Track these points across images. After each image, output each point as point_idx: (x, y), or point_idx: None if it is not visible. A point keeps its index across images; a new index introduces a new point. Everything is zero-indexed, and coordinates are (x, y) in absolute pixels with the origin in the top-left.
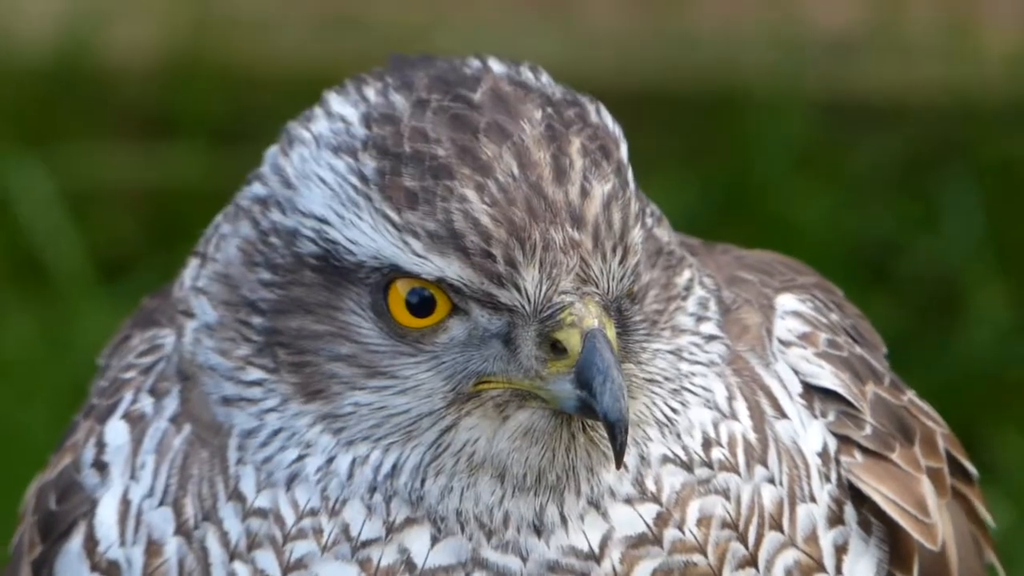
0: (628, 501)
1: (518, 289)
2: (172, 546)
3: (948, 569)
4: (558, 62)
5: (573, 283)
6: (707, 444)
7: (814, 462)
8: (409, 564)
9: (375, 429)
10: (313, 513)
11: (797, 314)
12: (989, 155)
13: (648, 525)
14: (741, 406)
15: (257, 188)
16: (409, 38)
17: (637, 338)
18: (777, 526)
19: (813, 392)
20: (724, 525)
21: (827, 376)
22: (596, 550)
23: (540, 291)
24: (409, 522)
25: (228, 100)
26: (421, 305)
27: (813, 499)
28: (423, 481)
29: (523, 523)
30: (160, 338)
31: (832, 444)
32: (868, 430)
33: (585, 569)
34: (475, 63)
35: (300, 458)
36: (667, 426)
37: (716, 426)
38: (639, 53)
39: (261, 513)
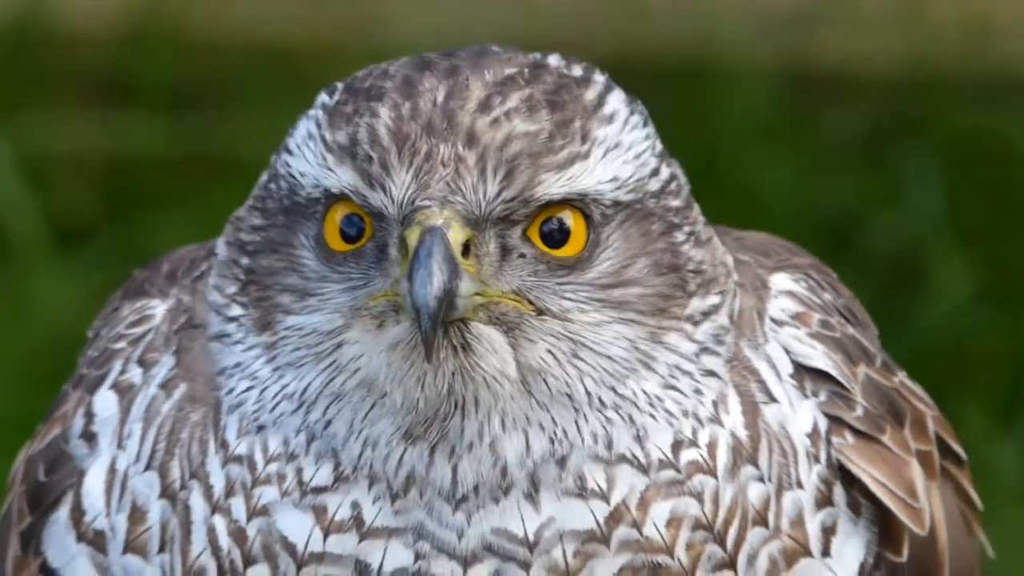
0: (570, 494)
1: (384, 190)
2: (155, 511)
3: (937, 551)
4: (516, 33)
5: (441, 191)
6: (677, 446)
7: (802, 445)
8: (359, 521)
9: (295, 353)
10: (277, 458)
11: (791, 294)
12: (951, 127)
13: (597, 522)
14: (733, 405)
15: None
16: (367, 6)
17: (552, 286)
18: (762, 521)
19: (805, 372)
20: (698, 527)
21: (819, 357)
22: (531, 537)
23: (405, 194)
24: (348, 477)
25: (187, 67)
26: (354, 231)
27: (800, 485)
28: (327, 410)
29: (427, 483)
30: (150, 308)
31: (823, 424)
32: (859, 411)
33: (525, 556)
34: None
35: (247, 390)
36: (593, 418)
37: (695, 430)
38: (598, 25)
39: (239, 459)
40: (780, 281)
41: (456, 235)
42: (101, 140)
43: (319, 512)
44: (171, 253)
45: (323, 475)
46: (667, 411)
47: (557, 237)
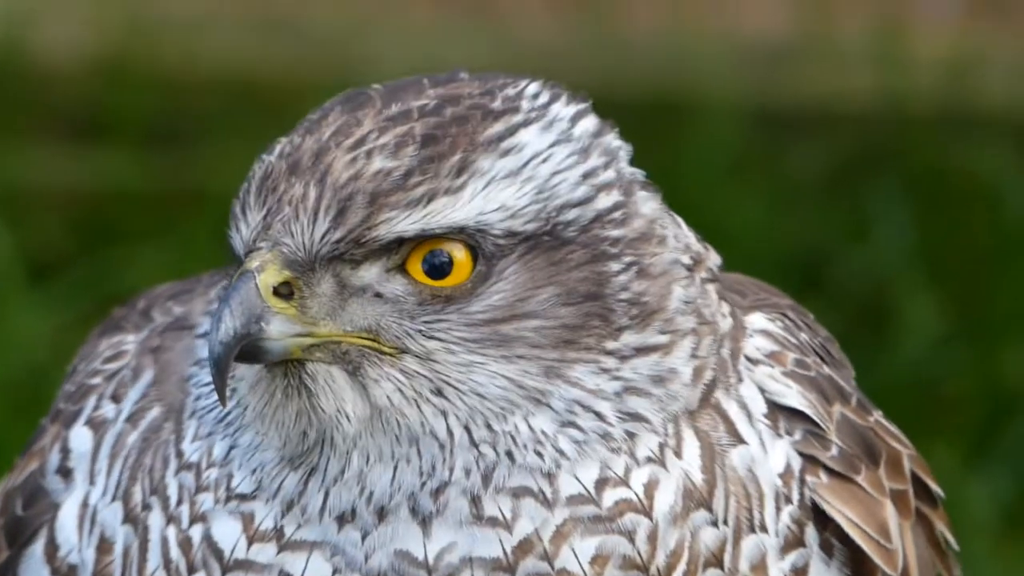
0: (471, 522)
1: (238, 231)
2: (120, 540)
3: None
4: (488, 67)
5: (278, 232)
6: (602, 484)
7: (770, 488)
8: (279, 532)
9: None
10: (215, 464)
11: (766, 333)
12: (920, 163)
13: (504, 551)
14: (690, 448)
15: None
16: (341, 41)
17: (417, 325)
18: (718, 563)
19: (779, 411)
20: (631, 566)
21: (794, 396)
22: (430, 561)
23: (250, 236)
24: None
25: (159, 102)
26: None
27: (764, 529)
28: (236, 432)
29: (301, 504)
30: (125, 344)
31: (796, 463)
32: (834, 451)
33: None
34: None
35: (202, 391)
36: (464, 452)
37: (627, 469)
38: (571, 60)
39: (189, 467)
40: (756, 320)
41: (268, 277)
42: (75, 174)
43: (247, 519)
44: (149, 291)
45: (248, 482)
46: (558, 450)
47: (447, 269)
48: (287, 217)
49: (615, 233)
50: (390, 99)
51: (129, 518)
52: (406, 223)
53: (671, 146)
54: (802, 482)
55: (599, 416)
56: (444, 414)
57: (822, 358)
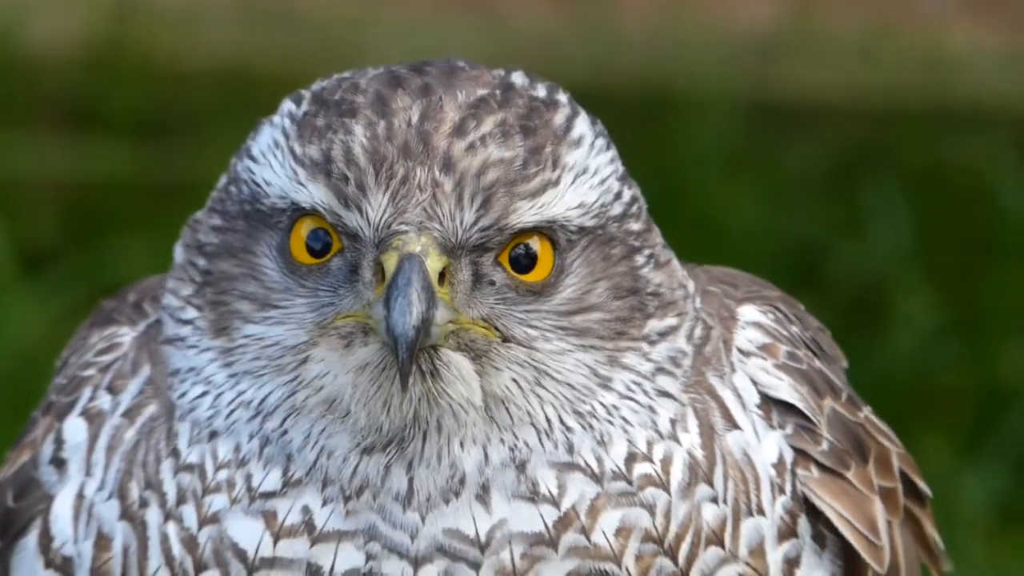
0: (522, 497)
1: (361, 212)
2: (118, 537)
3: None
4: (485, 59)
5: (418, 216)
6: (631, 459)
7: (766, 474)
8: (309, 525)
9: (255, 362)
10: (226, 465)
11: (758, 325)
12: (916, 158)
13: (546, 526)
14: (691, 424)
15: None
16: (335, 32)
17: (519, 314)
18: (718, 541)
19: (771, 404)
20: (648, 539)
21: (786, 388)
22: (482, 538)
23: (382, 217)
24: (300, 481)
25: (151, 92)
26: (319, 246)
27: (762, 512)
28: (284, 421)
29: (381, 490)
30: (118, 336)
31: (788, 455)
32: (825, 446)
33: (475, 557)
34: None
35: (201, 395)
36: (556, 432)
37: (650, 444)
38: (567, 52)
39: (189, 468)
40: (748, 312)
41: (433, 263)
42: (67, 165)
43: (269, 517)
44: (138, 283)
45: (272, 480)
46: (623, 419)
47: (524, 263)
48: (425, 201)
49: (636, 227)
50: (448, 85)
51: (127, 515)
52: (529, 214)
53: (665, 140)
54: (793, 475)
55: (646, 393)
56: (543, 404)
57: (813, 352)
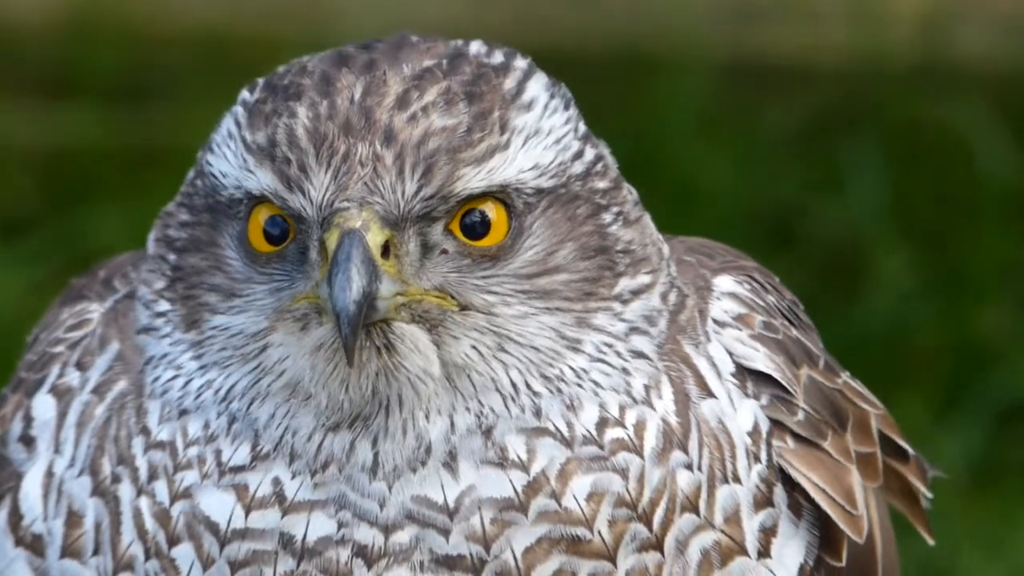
0: (490, 463)
1: (303, 193)
2: (90, 514)
3: (874, 556)
4: (459, 19)
5: (360, 192)
6: (602, 424)
7: (742, 442)
8: (280, 496)
9: (222, 353)
10: (196, 442)
11: (734, 295)
12: (894, 119)
13: (516, 491)
14: (666, 391)
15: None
16: None
17: (476, 280)
18: (693, 508)
19: (747, 374)
20: (621, 504)
21: (761, 359)
22: (451, 504)
23: (324, 196)
24: (268, 455)
25: (128, 59)
26: (278, 232)
27: (737, 479)
28: (250, 406)
29: (346, 464)
30: (88, 312)
31: (764, 424)
32: (800, 416)
33: (444, 523)
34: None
35: (172, 378)
36: (522, 396)
37: (622, 408)
38: (542, 11)
39: (160, 446)
40: (723, 283)
41: (375, 237)
42: (43, 131)
43: (240, 490)
44: (109, 260)
45: (242, 455)
46: (594, 382)
47: (479, 229)
48: (367, 176)
49: (602, 184)
50: (394, 59)
51: (98, 491)
52: (476, 180)
53: (642, 102)
54: (769, 445)
55: (618, 355)
56: (507, 368)
57: (789, 320)
